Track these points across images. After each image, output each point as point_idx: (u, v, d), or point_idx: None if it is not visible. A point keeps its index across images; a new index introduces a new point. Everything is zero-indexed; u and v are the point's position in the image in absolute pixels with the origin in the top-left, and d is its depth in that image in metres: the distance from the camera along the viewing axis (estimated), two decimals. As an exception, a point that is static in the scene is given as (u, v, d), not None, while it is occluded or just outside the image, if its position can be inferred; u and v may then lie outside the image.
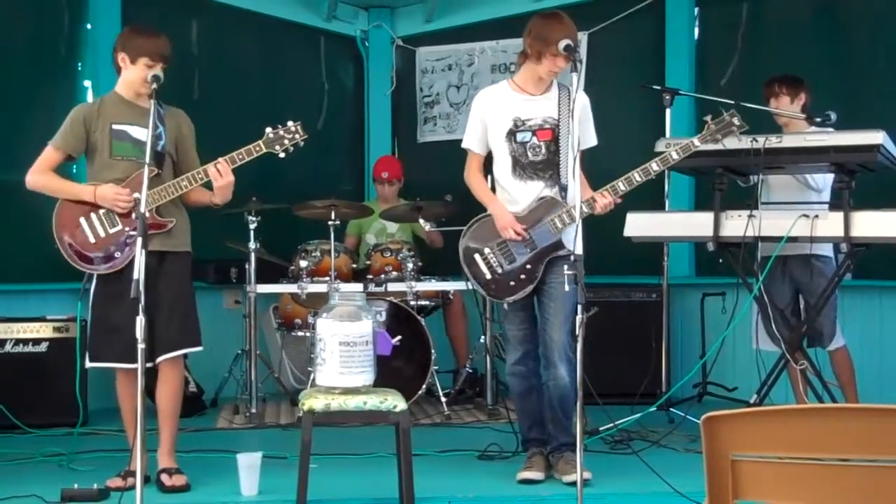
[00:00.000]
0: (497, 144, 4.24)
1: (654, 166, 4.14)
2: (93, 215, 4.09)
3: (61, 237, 4.11)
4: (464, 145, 4.33)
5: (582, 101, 4.18)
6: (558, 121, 4.18)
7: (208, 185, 4.12)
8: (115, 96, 4.15)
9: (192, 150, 4.23)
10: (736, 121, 4.17)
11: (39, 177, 4.14)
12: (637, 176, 4.11)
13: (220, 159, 4.02)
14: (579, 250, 3.70)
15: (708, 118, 4.20)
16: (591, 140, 4.25)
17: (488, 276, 4.24)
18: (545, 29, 4.09)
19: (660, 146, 4.68)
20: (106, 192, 4.03)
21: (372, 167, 7.00)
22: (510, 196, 4.23)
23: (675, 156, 4.16)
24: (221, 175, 4.00)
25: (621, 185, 4.10)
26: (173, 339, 4.09)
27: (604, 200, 4.08)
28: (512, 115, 4.20)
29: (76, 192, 4.11)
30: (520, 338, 4.25)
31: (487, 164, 4.34)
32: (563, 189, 4.17)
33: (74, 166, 4.50)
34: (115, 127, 4.06)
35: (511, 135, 4.20)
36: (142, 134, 4.00)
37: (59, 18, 6.17)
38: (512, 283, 4.20)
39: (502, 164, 4.24)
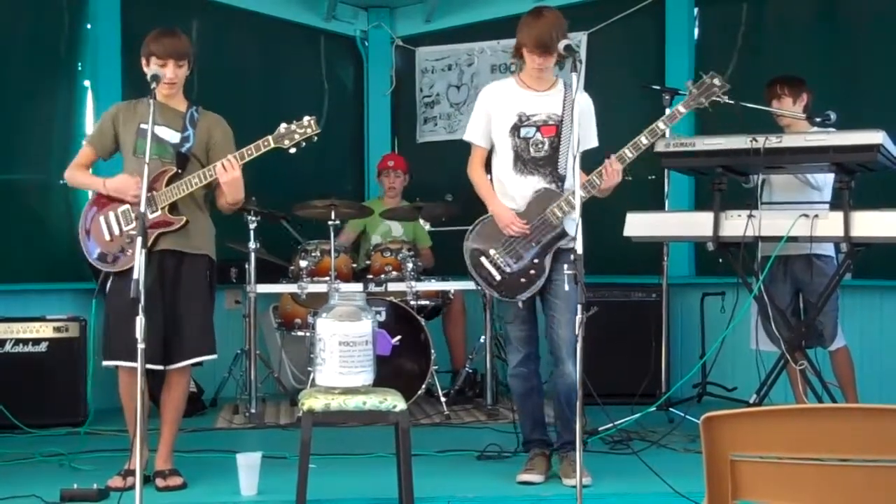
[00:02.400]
0: (500, 139, 4.23)
1: (644, 140, 4.14)
2: (111, 213, 4.15)
3: (83, 235, 4.20)
4: (467, 138, 4.32)
5: (585, 103, 4.18)
6: (562, 117, 4.18)
7: None
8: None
9: (225, 154, 4.11)
10: (717, 81, 4.16)
11: (70, 172, 4.27)
12: (628, 152, 4.13)
13: (228, 156, 4.02)
14: (580, 249, 3.69)
15: (689, 83, 4.20)
16: (592, 141, 4.25)
17: (498, 278, 4.22)
18: (522, 26, 4.12)
19: (660, 146, 4.68)
20: (117, 182, 4.09)
21: (372, 167, 6.99)
22: (506, 190, 4.22)
23: (661, 126, 4.16)
24: (226, 170, 4.01)
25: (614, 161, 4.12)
26: (190, 345, 4.11)
27: (608, 170, 4.08)
28: (517, 109, 4.20)
29: (93, 184, 4.20)
30: (522, 339, 4.24)
31: (486, 158, 4.33)
32: (561, 179, 4.17)
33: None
34: (142, 126, 4.10)
35: (515, 129, 4.20)
36: (167, 134, 4.10)
37: (59, 18, 6.16)
38: (522, 279, 4.18)
39: (503, 159, 4.23)
